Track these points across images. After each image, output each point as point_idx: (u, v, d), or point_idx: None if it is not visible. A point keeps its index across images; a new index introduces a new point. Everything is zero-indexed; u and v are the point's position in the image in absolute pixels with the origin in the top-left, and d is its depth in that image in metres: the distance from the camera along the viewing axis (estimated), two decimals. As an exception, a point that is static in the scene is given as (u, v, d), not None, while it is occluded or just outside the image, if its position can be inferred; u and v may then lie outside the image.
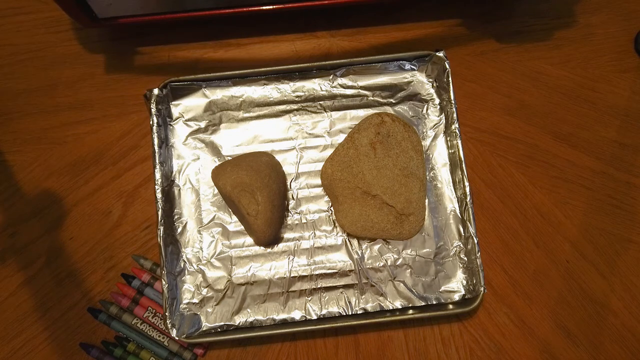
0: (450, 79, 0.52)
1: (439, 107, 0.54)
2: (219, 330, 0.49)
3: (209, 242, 0.51)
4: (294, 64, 0.54)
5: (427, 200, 0.52)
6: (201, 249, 0.51)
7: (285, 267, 0.51)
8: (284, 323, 0.49)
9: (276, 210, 0.49)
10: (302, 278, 0.51)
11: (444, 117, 0.54)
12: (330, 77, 0.54)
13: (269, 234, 0.49)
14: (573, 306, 0.51)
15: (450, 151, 0.53)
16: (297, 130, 0.54)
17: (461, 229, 0.51)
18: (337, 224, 0.52)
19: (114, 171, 0.54)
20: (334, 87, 0.54)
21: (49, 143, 0.55)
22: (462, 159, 0.51)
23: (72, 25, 0.58)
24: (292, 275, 0.51)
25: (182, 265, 0.51)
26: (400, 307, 0.50)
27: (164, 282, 0.48)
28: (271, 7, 0.53)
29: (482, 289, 0.48)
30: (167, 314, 0.48)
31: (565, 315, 0.51)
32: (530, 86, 0.57)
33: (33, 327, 0.51)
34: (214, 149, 0.54)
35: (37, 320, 0.51)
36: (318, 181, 0.53)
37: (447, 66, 0.52)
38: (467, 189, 0.50)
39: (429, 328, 0.51)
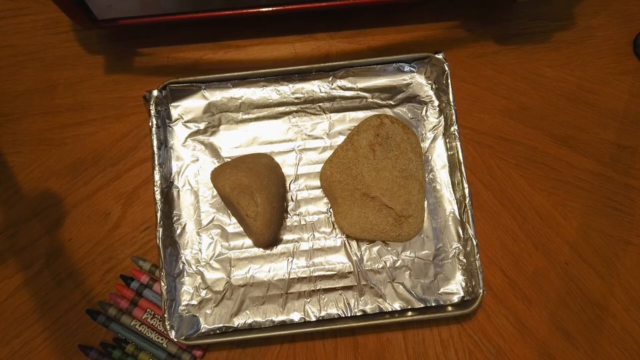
0: (449, 81, 0.52)
1: (438, 109, 0.54)
2: (218, 332, 0.49)
3: (208, 243, 0.51)
4: (293, 65, 0.54)
5: (426, 202, 0.52)
6: (200, 250, 0.51)
7: (284, 268, 0.51)
8: (283, 325, 0.49)
9: (275, 212, 0.49)
10: (301, 280, 0.51)
11: (443, 119, 0.54)
12: (330, 79, 0.54)
13: (268, 235, 0.49)
14: (572, 308, 0.51)
15: (449, 153, 0.53)
16: (296, 132, 0.54)
17: (460, 231, 0.51)
18: (336, 226, 0.52)
19: (113, 172, 0.54)
20: (333, 88, 0.54)
21: (49, 144, 0.55)
22: (461, 161, 0.51)
23: (72, 26, 0.58)
24: (291, 276, 0.51)
25: (181, 267, 0.51)
26: (399, 308, 0.50)
27: (162, 284, 0.48)
28: (270, 9, 0.53)
29: (481, 290, 0.48)
30: (165, 315, 0.48)
31: (564, 317, 0.51)
32: (529, 88, 0.57)
33: (32, 329, 0.51)
34: (213, 151, 0.54)
35: (36, 321, 0.51)
36: (317, 183, 0.53)
37: (446, 68, 0.52)
38: (466, 191, 0.50)
39: (428, 330, 0.51)
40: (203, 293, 0.50)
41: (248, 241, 0.52)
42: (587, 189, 0.54)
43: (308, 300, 0.50)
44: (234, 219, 0.52)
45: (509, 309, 0.51)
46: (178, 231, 0.51)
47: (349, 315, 0.50)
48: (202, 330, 0.49)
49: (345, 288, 0.51)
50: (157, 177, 0.51)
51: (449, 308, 0.50)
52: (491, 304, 0.51)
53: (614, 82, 0.57)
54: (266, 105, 0.54)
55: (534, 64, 0.57)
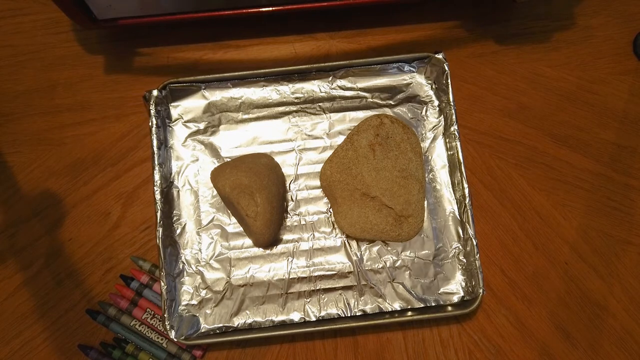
0: (449, 80, 0.52)
1: (438, 108, 0.54)
2: (218, 331, 0.49)
3: (208, 243, 0.51)
4: (293, 65, 0.54)
5: (426, 202, 0.52)
6: (200, 250, 0.51)
7: (284, 268, 0.51)
8: (283, 325, 0.49)
9: (275, 212, 0.49)
10: (301, 279, 0.51)
11: (443, 119, 0.54)
12: (330, 79, 0.54)
13: (268, 235, 0.49)
14: (572, 308, 0.51)
15: (449, 153, 0.53)
16: (296, 132, 0.54)
17: (460, 231, 0.51)
18: (336, 226, 0.52)
19: (113, 172, 0.54)
20: (333, 88, 0.54)
21: (49, 144, 0.55)
22: (461, 161, 0.51)
23: (72, 26, 0.58)
24: (291, 276, 0.51)
25: (180, 267, 0.51)
26: (399, 308, 0.50)
27: (162, 284, 0.48)
28: (270, 9, 0.53)
29: (481, 290, 0.48)
30: (165, 315, 0.48)
31: (564, 317, 0.51)
32: (529, 88, 0.57)
33: (32, 328, 0.51)
34: (213, 151, 0.54)
35: (36, 321, 0.51)
36: (317, 183, 0.53)
37: (446, 68, 0.52)
38: (466, 191, 0.50)
39: (427, 330, 0.51)
40: (203, 293, 0.50)
41: (248, 241, 0.52)
42: (587, 188, 0.54)
43: (308, 300, 0.50)
44: (233, 219, 0.52)
45: (509, 308, 0.51)
46: (178, 231, 0.51)
47: (349, 315, 0.50)
48: (202, 330, 0.49)
49: (345, 288, 0.51)
50: (157, 177, 0.51)
51: (449, 308, 0.50)
52: (491, 304, 0.51)
53: (614, 82, 0.57)
54: (266, 105, 0.54)
55: (533, 63, 0.57)
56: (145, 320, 0.50)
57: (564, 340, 0.50)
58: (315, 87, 0.55)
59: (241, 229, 0.52)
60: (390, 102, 0.55)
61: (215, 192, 0.52)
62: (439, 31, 0.58)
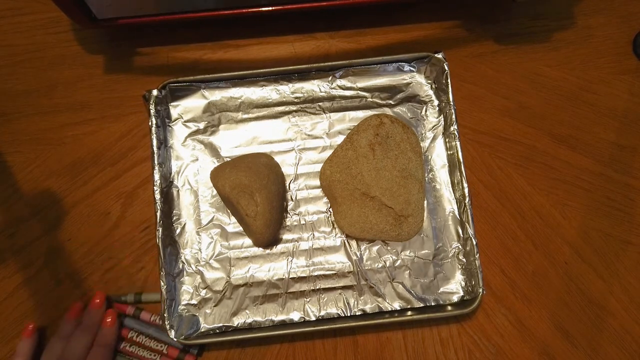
0: (449, 80, 0.52)
1: (437, 108, 0.54)
2: (218, 331, 0.49)
3: (208, 243, 0.51)
4: (292, 65, 0.54)
5: (425, 202, 0.52)
6: (200, 250, 0.51)
7: (284, 268, 0.51)
8: (283, 324, 0.49)
9: (275, 212, 0.49)
10: (300, 279, 0.51)
11: (442, 119, 0.54)
12: (329, 79, 0.54)
13: (268, 235, 0.49)
14: (572, 308, 0.51)
15: (449, 152, 0.53)
16: (296, 132, 0.54)
17: (460, 231, 0.51)
18: (335, 225, 0.52)
19: (113, 172, 0.54)
20: (333, 88, 0.54)
21: (48, 144, 0.55)
22: (461, 161, 0.51)
23: (71, 26, 0.58)
24: (290, 276, 0.51)
25: (180, 267, 0.51)
26: (398, 308, 0.50)
27: (162, 284, 0.48)
28: (270, 8, 0.53)
29: (480, 290, 0.48)
30: (165, 315, 0.48)
31: (564, 317, 0.51)
32: (529, 88, 0.57)
33: (31, 328, 0.51)
34: (213, 150, 0.54)
35: (35, 321, 0.51)
36: (317, 182, 0.53)
37: (446, 68, 0.52)
38: (466, 191, 0.50)
39: (427, 329, 0.51)
40: (203, 292, 0.50)
41: (248, 241, 0.52)
42: (587, 188, 0.54)
43: (308, 299, 0.50)
44: (233, 219, 0.52)
45: (509, 308, 0.51)
46: (178, 231, 0.51)
47: (349, 314, 0.50)
48: (202, 330, 0.49)
49: (345, 287, 0.50)
50: (156, 176, 0.51)
51: (449, 307, 0.50)
52: (491, 304, 0.51)
53: (614, 81, 0.57)
54: (266, 105, 0.54)
55: (533, 63, 0.57)
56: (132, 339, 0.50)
57: (564, 340, 0.50)
58: (315, 86, 0.54)
59: (241, 228, 0.52)
60: (390, 101, 0.55)
61: (215, 192, 0.52)
62: (439, 31, 0.58)
